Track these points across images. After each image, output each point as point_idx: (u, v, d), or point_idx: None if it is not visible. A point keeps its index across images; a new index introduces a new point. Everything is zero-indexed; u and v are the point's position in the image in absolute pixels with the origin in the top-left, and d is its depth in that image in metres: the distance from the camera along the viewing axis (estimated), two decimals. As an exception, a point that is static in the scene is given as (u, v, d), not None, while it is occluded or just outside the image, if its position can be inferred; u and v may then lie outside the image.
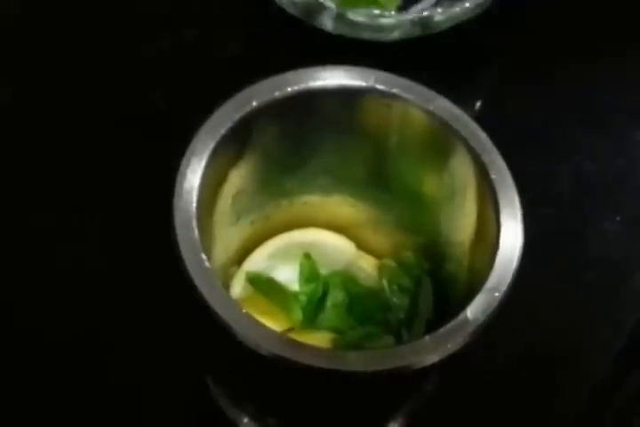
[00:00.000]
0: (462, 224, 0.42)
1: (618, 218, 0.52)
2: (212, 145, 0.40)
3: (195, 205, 0.39)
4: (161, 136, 0.51)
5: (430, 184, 0.44)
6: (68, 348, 0.47)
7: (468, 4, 0.52)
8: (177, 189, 0.39)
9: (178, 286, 0.38)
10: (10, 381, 0.46)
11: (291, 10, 0.52)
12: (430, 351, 0.37)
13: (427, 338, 0.37)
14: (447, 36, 0.54)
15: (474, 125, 0.41)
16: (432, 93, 0.41)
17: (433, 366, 0.37)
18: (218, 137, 0.40)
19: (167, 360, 0.46)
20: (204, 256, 0.37)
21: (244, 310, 0.37)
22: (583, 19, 0.58)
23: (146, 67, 0.54)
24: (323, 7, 0.51)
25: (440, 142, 0.41)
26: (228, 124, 0.40)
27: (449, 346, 0.37)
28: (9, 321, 0.47)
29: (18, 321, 0.47)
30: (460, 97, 0.42)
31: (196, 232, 0.38)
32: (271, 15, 0.53)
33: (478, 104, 0.54)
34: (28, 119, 0.52)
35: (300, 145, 0.44)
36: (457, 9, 0.52)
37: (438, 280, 0.45)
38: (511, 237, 0.39)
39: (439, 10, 0.52)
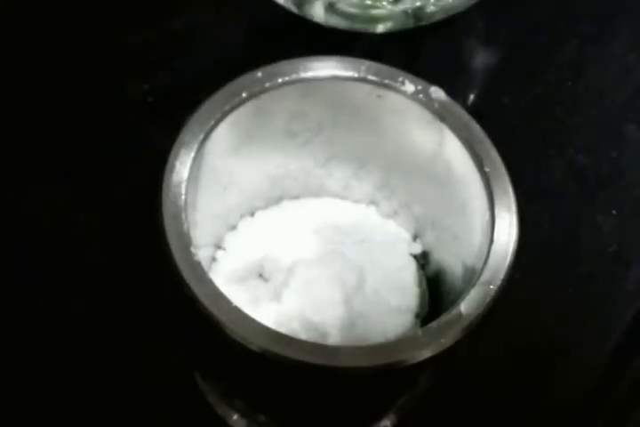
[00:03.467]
0: (456, 217, 0.42)
1: (613, 211, 0.52)
2: (201, 136, 0.39)
3: (183, 197, 0.38)
4: (150, 128, 0.50)
5: (424, 176, 0.43)
6: (54, 343, 0.46)
7: (461, -5, 0.51)
8: (165, 181, 0.38)
9: (166, 279, 0.37)
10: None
11: (281, 0, 0.52)
12: (423, 346, 0.36)
13: (420, 333, 0.37)
14: (440, 28, 0.53)
15: (467, 117, 0.41)
16: (425, 84, 0.41)
17: (426, 361, 0.36)
18: (207, 128, 0.39)
19: (155, 356, 0.46)
20: (193, 250, 0.37)
21: (233, 304, 0.36)
22: (581, 12, 0.58)
23: (133, 58, 0.54)
24: (314, -2, 0.51)
25: (433, 134, 0.41)
26: (218, 116, 0.40)
27: (442, 341, 0.36)
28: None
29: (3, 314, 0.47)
30: (453, 89, 0.42)
31: (185, 225, 0.37)
32: (261, 6, 0.53)
33: (472, 96, 0.54)
34: (19, 120, 0.52)
35: (291, 136, 0.43)
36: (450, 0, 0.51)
37: (432, 274, 0.45)
38: (505, 230, 0.39)
39: (432, 0, 0.51)
